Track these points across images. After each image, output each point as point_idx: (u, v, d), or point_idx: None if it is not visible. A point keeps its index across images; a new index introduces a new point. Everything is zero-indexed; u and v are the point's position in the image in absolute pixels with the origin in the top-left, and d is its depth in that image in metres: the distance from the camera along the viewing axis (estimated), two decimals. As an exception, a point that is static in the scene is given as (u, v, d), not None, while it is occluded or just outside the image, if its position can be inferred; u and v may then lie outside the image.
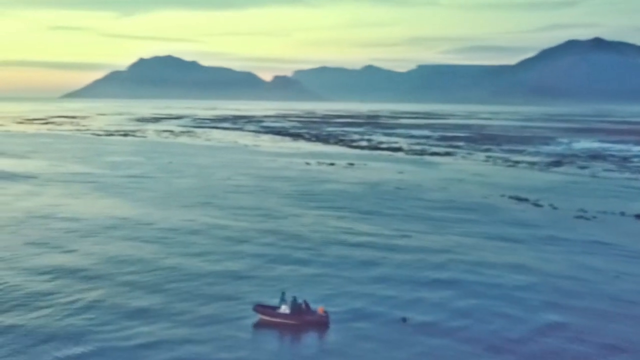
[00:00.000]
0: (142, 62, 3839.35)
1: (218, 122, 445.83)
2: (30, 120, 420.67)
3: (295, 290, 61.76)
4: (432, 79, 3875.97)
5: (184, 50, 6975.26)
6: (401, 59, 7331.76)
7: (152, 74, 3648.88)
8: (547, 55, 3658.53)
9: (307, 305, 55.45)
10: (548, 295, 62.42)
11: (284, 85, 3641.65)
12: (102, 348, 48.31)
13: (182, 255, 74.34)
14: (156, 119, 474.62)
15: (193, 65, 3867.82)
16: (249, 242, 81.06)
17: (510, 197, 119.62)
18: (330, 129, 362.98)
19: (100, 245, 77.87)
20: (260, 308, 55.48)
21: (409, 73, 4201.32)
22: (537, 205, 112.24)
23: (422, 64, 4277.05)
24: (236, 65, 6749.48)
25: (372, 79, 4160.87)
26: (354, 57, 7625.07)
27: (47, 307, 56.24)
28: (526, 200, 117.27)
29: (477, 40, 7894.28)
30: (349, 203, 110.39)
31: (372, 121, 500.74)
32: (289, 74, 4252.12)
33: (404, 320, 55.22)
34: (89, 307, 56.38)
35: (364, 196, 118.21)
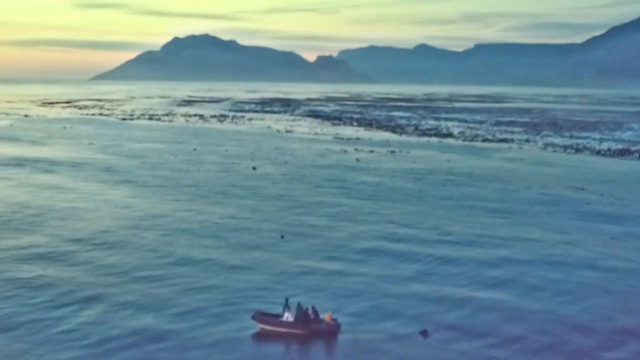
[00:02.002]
0: (176, 41, 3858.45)
1: (254, 105, 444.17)
2: (52, 104, 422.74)
3: (309, 292, 58.21)
4: (491, 59, 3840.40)
5: (221, 29, 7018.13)
6: (457, 37, 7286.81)
7: (188, 54, 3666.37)
8: (618, 32, 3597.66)
9: (315, 312, 51.57)
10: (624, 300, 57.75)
11: (329, 66, 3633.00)
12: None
13: (177, 255, 70.91)
14: (188, 103, 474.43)
15: (231, 44, 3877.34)
16: (262, 242, 77.34)
17: (569, 188, 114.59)
18: (375, 113, 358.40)
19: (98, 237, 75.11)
20: (260, 316, 51.51)
21: (466, 53, 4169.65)
22: (599, 196, 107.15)
23: (480, 42, 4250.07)
24: (277, 45, 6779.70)
25: (425, 59, 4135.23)
26: (405, 36, 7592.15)
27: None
28: (586, 191, 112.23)
29: (540, 17, 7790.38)
30: (384, 196, 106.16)
31: (421, 105, 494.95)
32: (334, 53, 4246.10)
33: (424, 334, 50.94)
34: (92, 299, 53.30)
35: (402, 189, 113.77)
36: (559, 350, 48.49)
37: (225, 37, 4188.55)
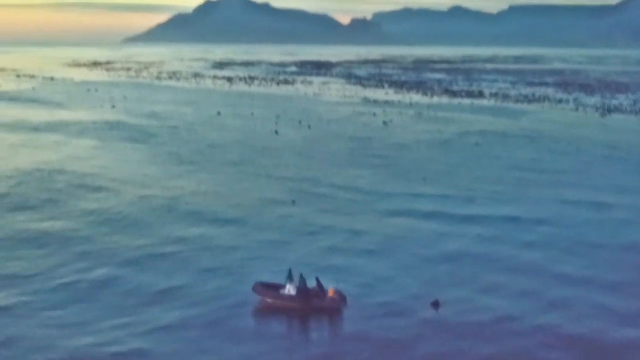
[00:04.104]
0: (209, 4, 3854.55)
1: (286, 68, 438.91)
2: (80, 66, 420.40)
3: (317, 256, 53.84)
4: (526, 20, 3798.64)
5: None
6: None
7: (220, 17, 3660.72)
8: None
9: (319, 284, 46.84)
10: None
11: (363, 29, 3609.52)
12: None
13: (186, 224, 66.13)
14: (221, 66, 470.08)
15: (265, 8, 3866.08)
16: (273, 207, 72.30)
17: (599, 152, 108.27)
18: (407, 75, 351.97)
19: (104, 204, 70.64)
20: (261, 288, 47.03)
21: (500, 14, 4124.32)
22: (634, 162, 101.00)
23: (515, 4, 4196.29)
24: (311, 7, 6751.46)
25: (459, 21, 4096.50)
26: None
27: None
28: (619, 150, 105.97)
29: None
30: (410, 160, 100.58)
31: (454, 67, 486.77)
32: (368, 16, 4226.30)
33: (436, 305, 46.36)
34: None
35: (430, 152, 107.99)
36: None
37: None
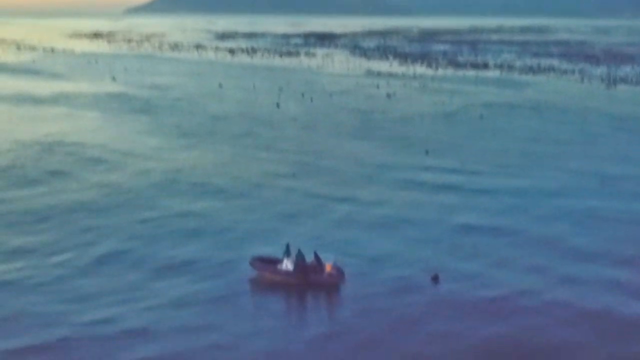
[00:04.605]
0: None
1: (289, 39, 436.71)
2: (80, 37, 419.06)
3: (316, 230, 53.99)
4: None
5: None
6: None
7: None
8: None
9: (317, 259, 47.07)
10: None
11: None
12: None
13: (178, 197, 66.22)
14: (223, 37, 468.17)
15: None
16: (272, 180, 72.36)
17: (605, 123, 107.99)
18: (412, 47, 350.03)
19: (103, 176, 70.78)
20: (258, 262, 47.39)
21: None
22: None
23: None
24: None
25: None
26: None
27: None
28: (624, 127, 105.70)
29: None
30: (414, 132, 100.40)
31: (459, 38, 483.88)
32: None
33: (435, 279, 46.57)
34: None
35: (434, 124, 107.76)
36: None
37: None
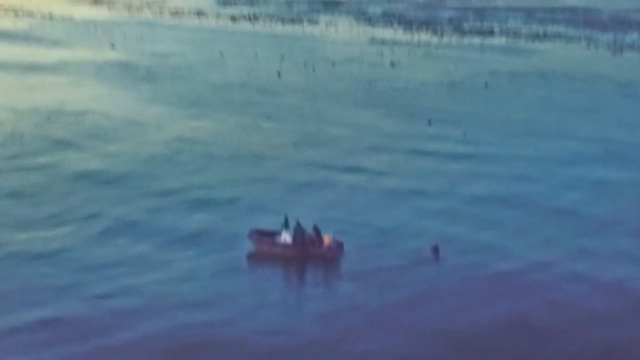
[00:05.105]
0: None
1: (292, 4, 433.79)
2: (80, 3, 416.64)
3: (318, 201, 53.90)
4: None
5: None
6: None
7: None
8: None
9: (317, 232, 47.12)
10: None
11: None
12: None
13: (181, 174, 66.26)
14: (223, 3, 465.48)
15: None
16: (273, 153, 72.25)
17: (611, 90, 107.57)
18: (417, 13, 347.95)
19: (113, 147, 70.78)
20: (255, 235, 47.48)
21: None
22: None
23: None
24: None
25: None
26: None
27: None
28: (631, 94, 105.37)
29: None
30: (417, 103, 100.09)
31: (465, 5, 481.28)
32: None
33: (436, 249, 46.50)
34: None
35: (438, 93, 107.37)
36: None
37: None
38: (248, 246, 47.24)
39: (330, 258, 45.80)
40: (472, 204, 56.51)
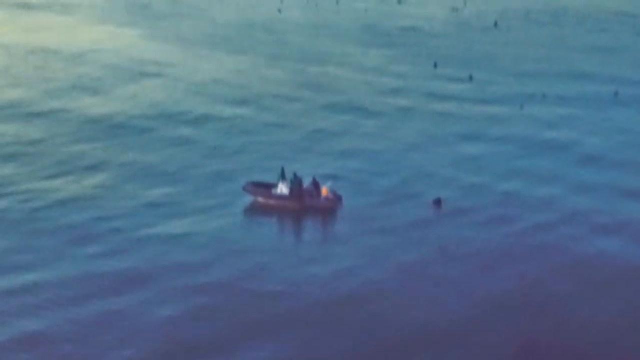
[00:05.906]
0: None
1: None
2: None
3: (320, 148, 53.07)
4: None
5: None
6: None
7: None
8: None
9: (315, 184, 46.23)
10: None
11: None
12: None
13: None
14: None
15: None
16: (273, 97, 71.00)
17: (626, 28, 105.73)
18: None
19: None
20: (252, 187, 46.44)
21: None
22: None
23: None
24: None
25: None
26: None
27: None
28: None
29: None
30: (421, 44, 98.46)
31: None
32: None
33: (438, 203, 45.63)
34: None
35: (444, 34, 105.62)
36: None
37: None
38: (246, 200, 46.11)
39: (328, 209, 44.84)
40: (471, 142, 55.49)
